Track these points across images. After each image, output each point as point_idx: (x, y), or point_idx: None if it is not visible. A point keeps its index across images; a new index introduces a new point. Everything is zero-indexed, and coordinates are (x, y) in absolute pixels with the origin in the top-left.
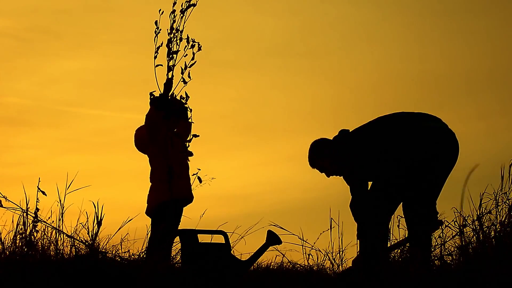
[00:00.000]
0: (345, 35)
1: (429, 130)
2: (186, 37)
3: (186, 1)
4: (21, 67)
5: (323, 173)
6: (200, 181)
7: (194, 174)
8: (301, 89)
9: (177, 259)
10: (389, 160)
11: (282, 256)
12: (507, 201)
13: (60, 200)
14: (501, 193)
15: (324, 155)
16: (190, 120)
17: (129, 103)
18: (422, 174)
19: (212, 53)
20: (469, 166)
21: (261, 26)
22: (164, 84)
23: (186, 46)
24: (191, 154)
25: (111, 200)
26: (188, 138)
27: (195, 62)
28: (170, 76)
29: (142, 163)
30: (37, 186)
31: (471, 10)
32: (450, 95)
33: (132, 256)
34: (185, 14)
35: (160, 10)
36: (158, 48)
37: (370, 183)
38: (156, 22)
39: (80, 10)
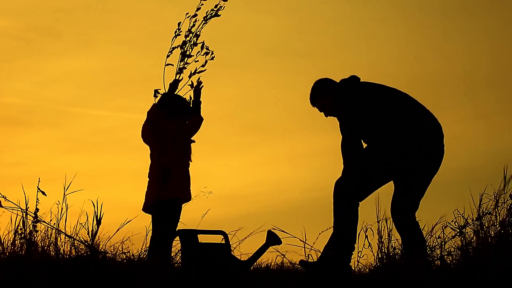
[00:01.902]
0: (343, 34)
1: (430, 136)
2: (201, 42)
3: (211, 10)
4: (21, 67)
5: (322, 113)
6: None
7: (201, 192)
8: (300, 88)
9: (177, 259)
10: (381, 132)
11: (283, 256)
12: (508, 201)
13: (60, 201)
14: (502, 193)
15: (327, 94)
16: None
17: (129, 103)
18: (404, 166)
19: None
20: (468, 166)
21: (259, 26)
22: (170, 84)
23: (199, 51)
24: (192, 141)
25: (110, 200)
26: (191, 138)
27: (205, 70)
28: (178, 78)
29: (141, 163)
30: (37, 187)
31: (470, 10)
32: (449, 95)
33: (132, 256)
34: (207, 22)
35: (187, 14)
36: (174, 48)
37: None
38: (179, 24)
39: (80, 10)
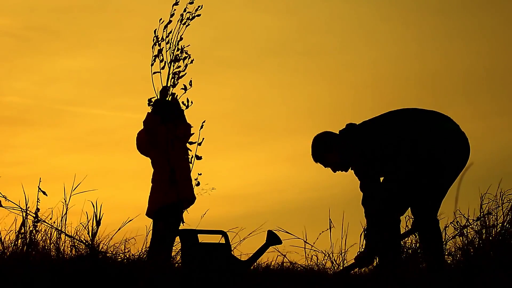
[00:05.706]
0: (343, 33)
1: (445, 132)
2: (180, 47)
3: (187, 12)
4: (20, 66)
5: (328, 168)
6: (198, 184)
7: (195, 179)
8: (300, 88)
9: (177, 259)
10: (400, 156)
11: (283, 256)
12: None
13: (65, 200)
14: (506, 193)
15: (330, 149)
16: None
17: (129, 102)
18: (432, 175)
19: (210, 52)
20: (468, 166)
21: (259, 25)
22: (160, 91)
23: (178, 55)
24: (199, 158)
25: (111, 200)
26: (192, 160)
27: (185, 73)
28: (167, 84)
29: (141, 163)
30: (38, 186)
31: (470, 10)
32: (449, 95)
33: (132, 256)
34: (187, 23)
35: (160, 19)
36: (156, 56)
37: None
38: (155, 31)
39: (79, 9)
